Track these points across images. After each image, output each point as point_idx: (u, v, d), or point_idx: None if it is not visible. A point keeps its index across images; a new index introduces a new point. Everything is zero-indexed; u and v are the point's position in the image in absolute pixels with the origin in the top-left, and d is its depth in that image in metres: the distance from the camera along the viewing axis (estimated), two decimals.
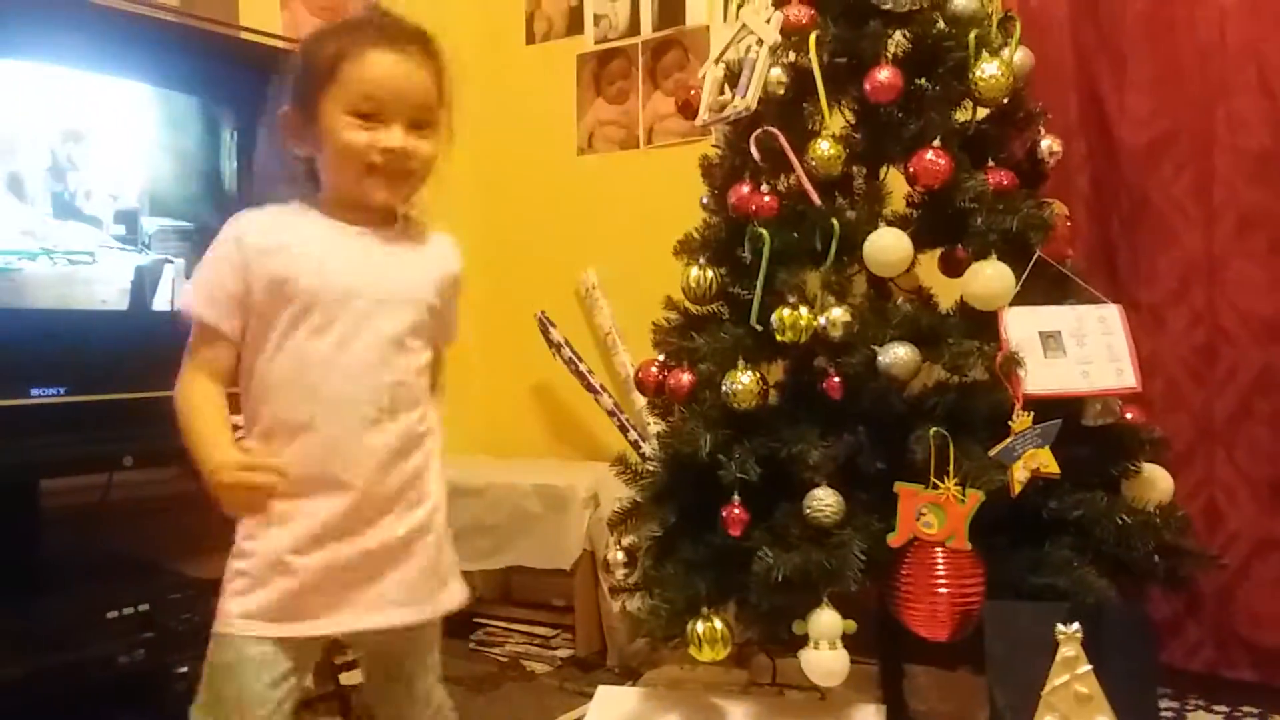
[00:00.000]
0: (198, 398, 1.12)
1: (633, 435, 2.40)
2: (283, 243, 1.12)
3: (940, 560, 1.46)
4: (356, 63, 1.10)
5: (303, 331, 1.11)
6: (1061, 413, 1.48)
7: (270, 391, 1.12)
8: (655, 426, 1.92)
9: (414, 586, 1.16)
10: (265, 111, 1.17)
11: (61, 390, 1.62)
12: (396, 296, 1.16)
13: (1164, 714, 1.70)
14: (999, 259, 1.55)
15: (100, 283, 1.70)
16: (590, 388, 2.55)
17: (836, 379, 1.56)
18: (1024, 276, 1.55)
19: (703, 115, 1.81)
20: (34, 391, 1.60)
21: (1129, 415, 1.61)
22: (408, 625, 1.16)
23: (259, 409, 1.14)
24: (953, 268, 1.71)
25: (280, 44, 1.96)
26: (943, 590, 1.45)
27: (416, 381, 1.19)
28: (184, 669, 1.57)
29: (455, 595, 1.23)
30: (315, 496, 1.10)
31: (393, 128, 1.10)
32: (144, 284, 1.75)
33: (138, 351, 1.72)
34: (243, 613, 1.10)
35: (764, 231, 1.62)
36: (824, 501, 1.48)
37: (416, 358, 1.19)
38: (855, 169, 1.74)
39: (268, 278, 1.10)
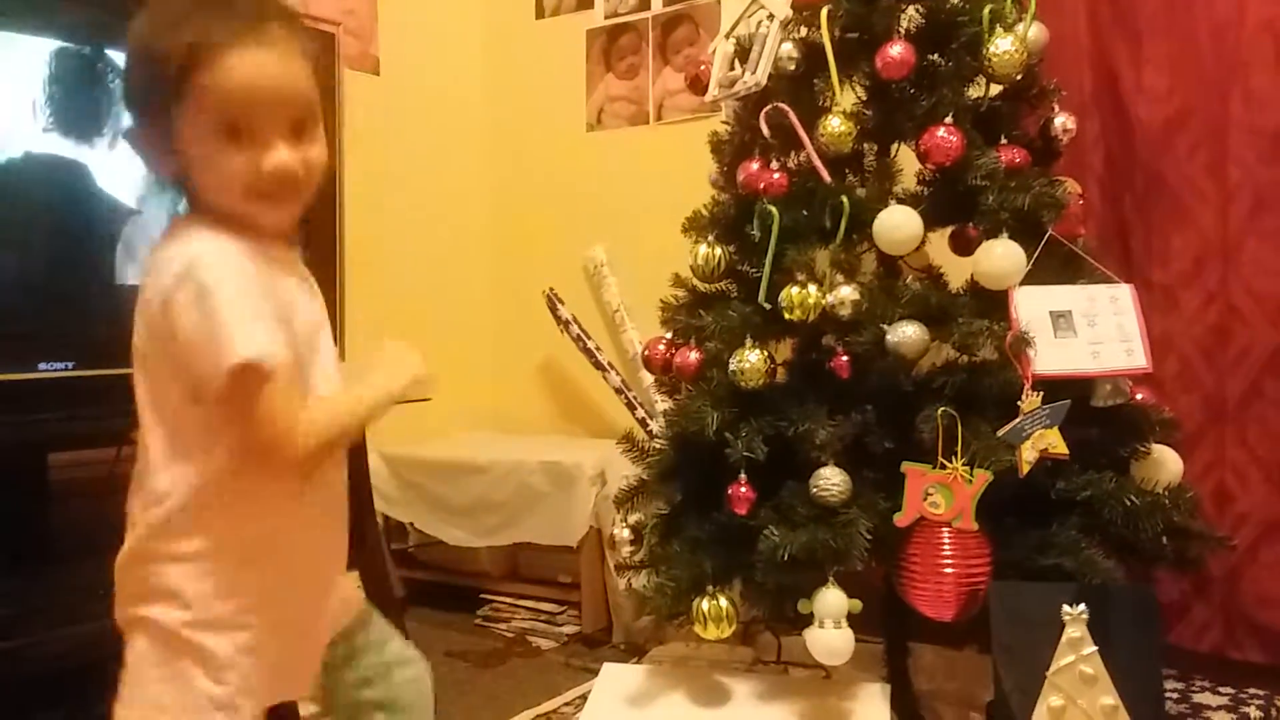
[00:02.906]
0: (319, 411, 0.94)
1: (640, 413, 2.40)
2: (266, 274, 0.93)
3: (947, 540, 1.45)
4: (213, 71, 0.84)
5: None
6: (1071, 393, 1.47)
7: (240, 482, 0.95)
8: (662, 404, 1.92)
9: None
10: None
11: (69, 365, 1.62)
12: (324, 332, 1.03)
13: (1169, 695, 1.70)
14: (1010, 237, 1.54)
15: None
16: (598, 365, 2.55)
17: (845, 358, 1.55)
18: (1035, 255, 1.54)
19: (713, 91, 1.79)
20: (42, 366, 1.60)
21: (1139, 396, 1.61)
22: None
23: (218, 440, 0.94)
24: (963, 246, 1.70)
25: None
26: (949, 570, 1.45)
27: None
28: None
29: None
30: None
31: (273, 144, 0.87)
32: None
33: None
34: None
35: (773, 209, 1.61)
36: (831, 480, 1.48)
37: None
38: (866, 146, 1.72)
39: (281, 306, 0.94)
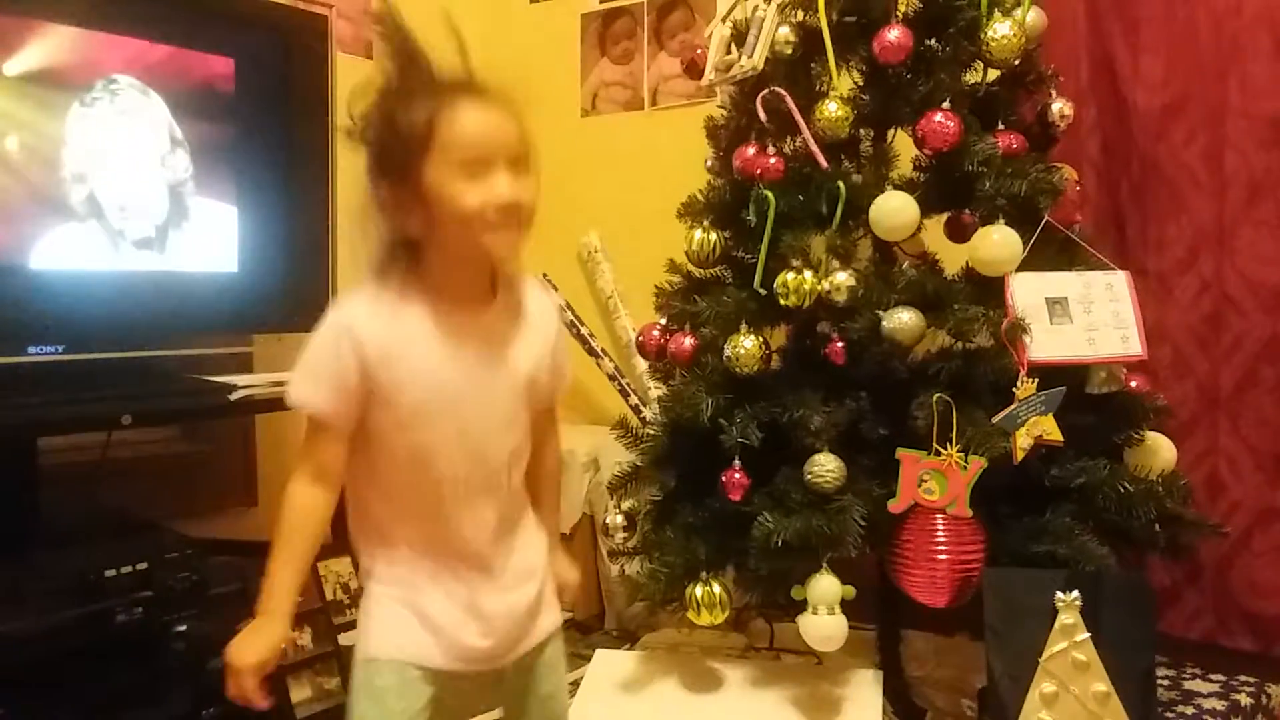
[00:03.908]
0: (296, 511, 1.08)
1: (633, 399, 2.40)
2: (398, 352, 1.07)
3: (941, 527, 1.45)
4: (453, 122, 1.04)
5: (412, 430, 1.09)
6: (1066, 380, 1.47)
7: (379, 486, 1.12)
8: (656, 390, 1.92)
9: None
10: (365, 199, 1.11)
11: (59, 348, 1.61)
12: (512, 385, 1.14)
13: (1161, 682, 1.70)
14: (1007, 224, 1.53)
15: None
16: (591, 351, 2.54)
17: (840, 344, 1.55)
18: (1031, 242, 1.54)
19: (708, 75, 1.78)
20: (31, 349, 1.59)
21: (1133, 383, 1.61)
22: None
23: (370, 497, 1.13)
24: (959, 232, 1.70)
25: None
26: (942, 557, 1.45)
27: (523, 453, 1.19)
28: (182, 628, 1.57)
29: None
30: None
31: (498, 179, 1.05)
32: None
33: (137, 310, 1.71)
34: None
35: (769, 194, 1.60)
36: (825, 467, 1.47)
37: (521, 432, 1.18)
38: (863, 131, 1.72)
39: (384, 382, 1.07)
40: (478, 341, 1.11)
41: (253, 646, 1.05)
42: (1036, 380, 1.46)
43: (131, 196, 1.71)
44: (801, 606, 1.48)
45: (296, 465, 1.09)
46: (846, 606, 1.47)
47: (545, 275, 2.64)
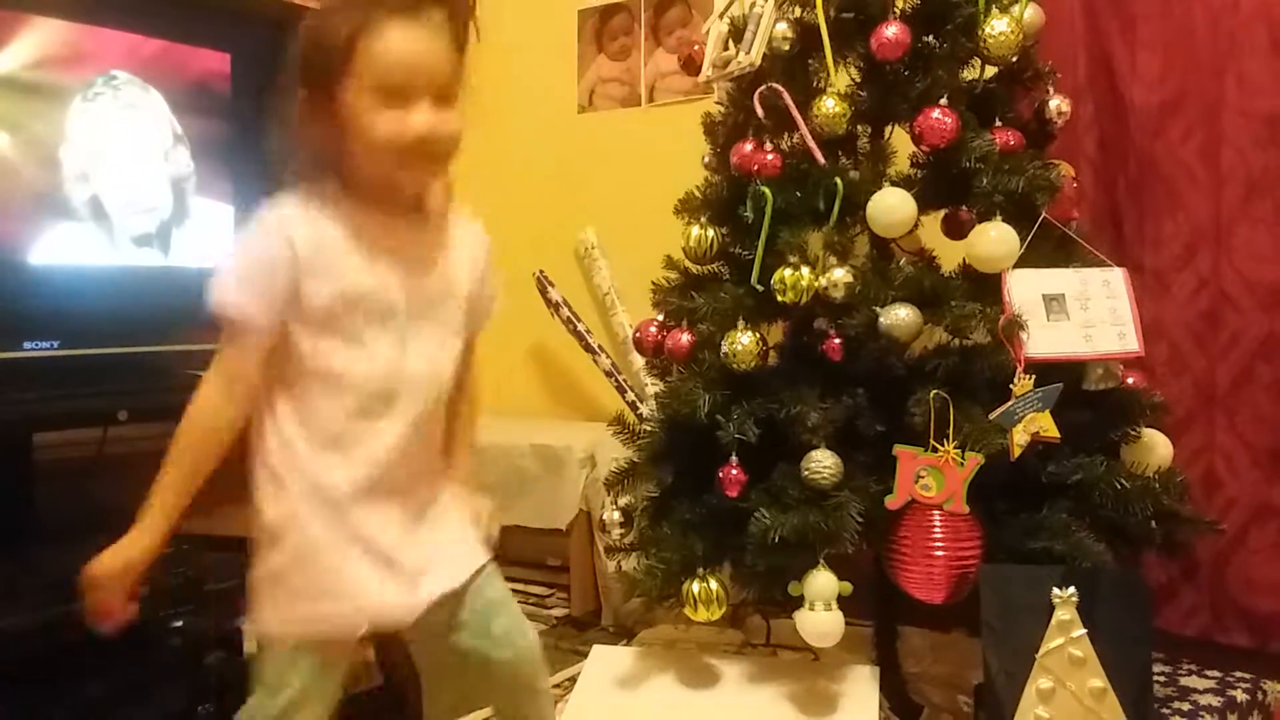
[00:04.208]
0: (199, 432, 1.05)
1: (630, 396, 2.40)
2: (330, 261, 1.05)
3: (938, 523, 1.45)
4: (375, 40, 1.00)
5: (345, 346, 1.06)
6: (1063, 376, 1.47)
7: (303, 400, 1.07)
8: (653, 387, 1.92)
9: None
10: (275, 94, 1.08)
11: (55, 344, 1.60)
12: (437, 305, 1.12)
13: (1157, 678, 1.71)
14: (1004, 220, 1.53)
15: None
16: (588, 348, 2.54)
17: (837, 340, 1.55)
18: (1028, 239, 1.54)
19: (706, 72, 1.78)
20: (27, 345, 1.58)
21: (1130, 380, 1.61)
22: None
23: (281, 404, 1.08)
24: (956, 229, 1.70)
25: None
26: (939, 553, 1.45)
27: (448, 383, 1.16)
28: (178, 623, 1.57)
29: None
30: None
31: (420, 108, 1.01)
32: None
33: (133, 306, 1.71)
34: None
35: (766, 190, 1.60)
36: (822, 463, 1.47)
37: (452, 357, 1.15)
38: (860, 127, 1.71)
39: (318, 294, 1.04)
40: (409, 252, 1.08)
41: (115, 555, 1.02)
42: (1033, 377, 1.46)
43: (134, 193, 1.71)
44: (798, 602, 1.48)
45: (206, 376, 1.05)
46: (843, 602, 1.47)
47: (542, 271, 2.64)
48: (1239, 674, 1.79)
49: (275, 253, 1.02)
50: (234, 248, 1.07)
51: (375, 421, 1.07)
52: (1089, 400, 1.55)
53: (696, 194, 1.75)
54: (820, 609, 1.46)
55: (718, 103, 1.84)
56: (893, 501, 1.46)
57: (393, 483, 1.09)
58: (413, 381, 1.10)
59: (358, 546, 1.06)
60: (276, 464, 1.07)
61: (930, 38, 1.66)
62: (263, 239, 1.04)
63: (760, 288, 1.58)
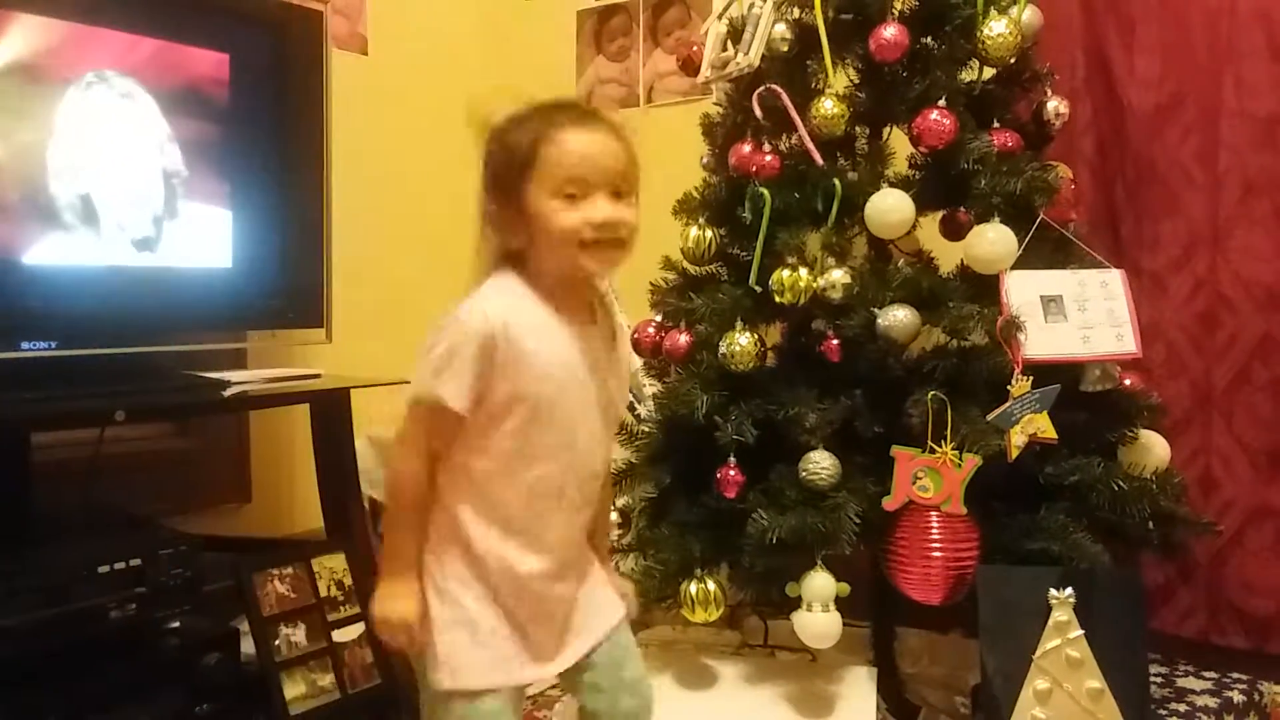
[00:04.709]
0: (412, 490, 1.13)
1: (628, 396, 2.39)
2: (531, 339, 1.10)
3: (935, 524, 1.45)
4: (554, 145, 1.09)
5: (534, 430, 1.11)
6: (1060, 378, 1.47)
7: (484, 485, 1.13)
8: (651, 387, 1.91)
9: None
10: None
11: (52, 344, 1.60)
12: (611, 399, 1.19)
13: (1154, 679, 1.71)
14: (1002, 222, 1.53)
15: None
16: None
17: (835, 341, 1.55)
18: (1026, 240, 1.54)
19: (704, 73, 1.78)
20: (24, 345, 1.58)
21: (1128, 381, 1.61)
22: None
23: (465, 497, 1.14)
24: (954, 230, 1.70)
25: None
26: (937, 554, 1.45)
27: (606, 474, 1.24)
28: (175, 624, 1.57)
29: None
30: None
31: (597, 201, 1.09)
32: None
33: (130, 306, 1.71)
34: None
35: (765, 191, 1.60)
36: (820, 464, 1.47)
37: (610, 452, 1.23)
38: (858, 129, 1.72)
39: (519, 379, 1.09)
40: (588, 351, 1.15)
41: (403, 605, 1.11)
42: (1031, 378, 1.46)
43: (126, 192, 1.70)
44: (796, 603, 1.48)
45: (404, 446, 1.13)
46: (841, 603, 1.47)
47: None
48: (1236, 675, 1.80)
49: (482, 342, 1.08)
50: (437, 334, 1.10)
51: (553, 512, 1.15)
52: (1086, 401, 1.56)
53: (695, 195, 1.75)
54: (818, 610, 1.46)
55: (716, 104, 1.84)
56: (890, 502, 1.46)
57: (561, 565, 1.16)
58: (589, 475, 1.17)
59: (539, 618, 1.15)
60: (467, 541, 1.14)
61: (929, 39, 1.67)
62: (471, 327, 1.09)
63: (758, 289, 1.58)
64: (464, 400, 1.08)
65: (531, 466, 1.12)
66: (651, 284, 1.80)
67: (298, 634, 1.69)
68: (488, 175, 1.14)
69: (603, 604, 1.23)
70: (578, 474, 1.15)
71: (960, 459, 1.44)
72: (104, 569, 1.50)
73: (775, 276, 1.54)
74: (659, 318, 1.77)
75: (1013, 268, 1.53)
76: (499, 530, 1.13)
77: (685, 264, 1.76)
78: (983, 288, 1.54)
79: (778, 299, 1.54)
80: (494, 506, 1.13)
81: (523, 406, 1.10)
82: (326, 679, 1.69)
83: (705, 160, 1.84)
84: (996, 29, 1.58)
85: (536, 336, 1.11)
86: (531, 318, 1.12)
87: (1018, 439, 1.44)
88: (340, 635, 1.72)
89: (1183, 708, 1.67)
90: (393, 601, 1.12)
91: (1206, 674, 1.82)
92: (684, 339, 1.67)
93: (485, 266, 1.16)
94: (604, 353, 1.18)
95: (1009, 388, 1.46)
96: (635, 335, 1.81)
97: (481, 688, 1.12)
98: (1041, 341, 1.50)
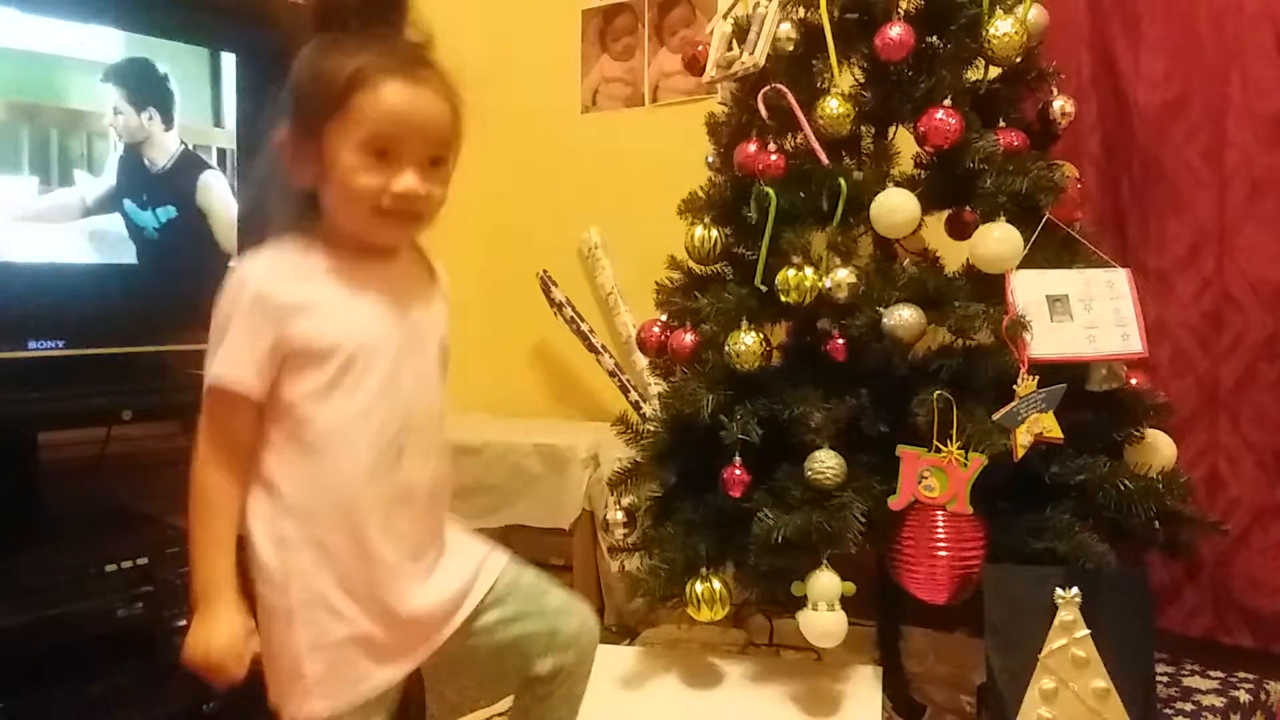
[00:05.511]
0: (215, 495, 1.00)
1: (633, 396, 2.40)
2: (309, 300, 1.01)
3: (941, 523, 1.45)
4: (372, 93, 0.96)
5: (338, 391, 1.01)
6: (1066, 377, 1.47)
7: (303, 453, 1.02)
8: (656, 387, 1.92)
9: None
10: (260, 134, 1.02)
11: (60, 343, 1.61)
12: (425, 342, 1.10)
13: (1160, 679, 1.70)
14: (1007, 221, 1.53)
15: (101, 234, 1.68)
16: (591, 348, 2.54)
17: (840, 341, 1.55)
18: (1032, 239, 1.54)
19: (710, 72, 1.78)
20: (31, 344, 1.59)
21: (1134, 381, 1.61)
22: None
23: (285, 469, 1.03)
24: (960, 230, 1.70)
25: None
26: (943, 553, 1.45)
27: (443, 425, 1.14)
28: (182, 622, 1.57)
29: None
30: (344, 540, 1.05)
31: (406, 170, 0.98)
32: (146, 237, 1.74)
33: (137, 305, 1.71)
34: None
35: (770, 191, 1.60)
36: (825, 464, 1.47)
37: (441, 398, 1.13)
38: (864, 128, 1.71)
39: (300, 340, 1.00)
40: (388, 294, 1.05)
41: (225, 638, 1.00)
42: (1037, 377, 1.46)
43: (140, 191, 1.71)
44: (801, 602, 1.48)
45: (203, 447, 1.01)
46: (846, 603, 1.47)
47: (545, 271, 2.64)
48: (1242, 675, 1.79)
49: (256, 316, 0.98)
50: (214, 313, 0.99)
51: (396, 465, 1.05)
52: (1092, 401, 1.55)
53: (700, 194, 1.75)
54: (823, 609, 1.46)
55: (721, 103, 1.84)
56: (896, 502, 1.46)
57: (420, 519, 1.08)
58: (419, 424, 1.08)
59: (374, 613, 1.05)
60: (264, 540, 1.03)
61: (934, 38, 1.67)
62: (242, 306, 0.99)
63: (764, 288, 1.58)
64: (246, 373, 0.97)
65: (345, 434, 1.00)
66: (657, 283, 1.80)
67: None
68: (290, 98, 1.00)
69: (478, 559, 1.13)
70: (407, 424, 1.05)
71: (966, 458, 1.43)
72: (111, 568, 1.51)
73: (780, 276, 1.54)
74: (664, 317, 1.77)
75: (1018, 267, 1.53)
76: (326, 513, 1.01)
77: (690, 263, 1.76)
78: (988, 287, 1.54)
79: (783, 298, 1.54)
80: (314, 488, 1.01)
81: (319, 361, 0.99)
82: None
83: (710, 160, 1.84)
84: (1002, 28, 1.58)
85: (318, 291, 1.00)
86: (309, 273, 1.00)
87: (1023, 438, 1.44)
88: None
89: (1189, 707, 1.67)
90: (214, 631, 0.99)
91: (1212, 673, 1.81)
92: (689, 338, 1.67)
93: (271, 206, 1.04)
94: (415, 287, 1.08)
95: (1015, 387, 1.46)
96: (640, 334, 1.81)
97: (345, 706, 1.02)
98: (1047, 341, 1.50)
